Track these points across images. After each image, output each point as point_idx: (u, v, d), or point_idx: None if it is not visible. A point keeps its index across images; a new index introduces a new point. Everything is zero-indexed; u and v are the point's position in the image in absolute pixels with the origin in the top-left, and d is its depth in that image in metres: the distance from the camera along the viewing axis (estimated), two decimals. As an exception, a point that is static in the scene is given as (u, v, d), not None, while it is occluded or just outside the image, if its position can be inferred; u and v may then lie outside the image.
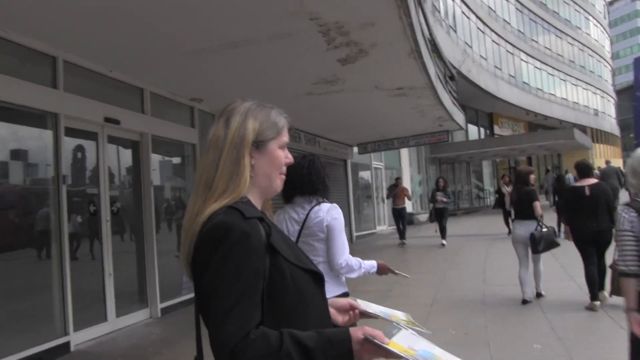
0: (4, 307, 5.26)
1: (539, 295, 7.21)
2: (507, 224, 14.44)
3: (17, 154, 5.82)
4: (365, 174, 19.95)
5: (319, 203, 3.18)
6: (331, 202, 3.27)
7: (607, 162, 21.21)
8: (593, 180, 6.66)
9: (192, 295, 1.50)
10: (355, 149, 16.70)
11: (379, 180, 20.64)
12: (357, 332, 1.33)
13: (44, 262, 5.81)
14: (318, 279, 1.53)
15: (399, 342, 1.33)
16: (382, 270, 3.35)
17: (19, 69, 5.49)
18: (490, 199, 30.45)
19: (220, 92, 7.94)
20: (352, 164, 17.42)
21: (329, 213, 3.14)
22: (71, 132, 6.21)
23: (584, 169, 6.70)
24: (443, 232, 14.02)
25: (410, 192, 16.29)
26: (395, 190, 14.89)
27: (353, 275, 3.16)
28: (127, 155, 7.46)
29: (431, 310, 6.90)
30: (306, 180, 3.18)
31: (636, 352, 3.05)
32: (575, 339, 5.36)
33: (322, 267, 2.92)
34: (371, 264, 3.27)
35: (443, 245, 13.64)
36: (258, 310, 1.34)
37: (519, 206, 7.36)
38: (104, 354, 5.81)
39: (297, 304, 1.43)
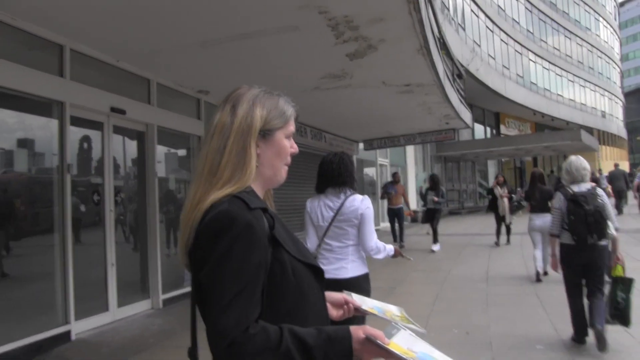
0: (6, 294, 5.27)
1: (545, 273, 8.47)
2: (498, 233, 13.18)
3: (23, 143, 5.81)
4: (370, 171, 19.91)
5: (352, 194, 3.69)
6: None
7: (616, 165, 21.59)
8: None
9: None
10: (361, 145, 16.63)
11: (384, 177, 20.60)
12: (358, 331, 1.32)
13: (47, 250, 5.80)
14: (318, 274, 1.51)
15: (398, 343, 1.33)
16: (396, 254, 3.86)
17: (26, 56, 5.47)
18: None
19: (227, 84, 7.80)
20: (357, 160, 17.35)
21: (363, 203, 3.66)
22: (77, 122, 6.19)
23: None
24: (435, 235, 12.79)
25: (407, 195, 14.62)
26: (394, 188, 13.50)
27: (380, 255, 3.71)
28: (132, 146, 7.44)
29: (433, 309, 6.88)
30: (336, 174, 3.69)
31: None
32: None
33: (351, 250, 3.66)
34: (390, 248, 3.79)
35: (433, 251, 12.41)
36: (258, 304, 1.32)
37: (538, 202, 8.70)
38: (105, 343, 5.81)
39: (297, 298, 1.40)
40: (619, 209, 20.72)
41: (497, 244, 13.04)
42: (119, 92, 6.72)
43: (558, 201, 5.16)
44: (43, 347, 5.40)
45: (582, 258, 4.94)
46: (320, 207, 3.73)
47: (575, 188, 5.05)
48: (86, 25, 5.58)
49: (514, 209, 12.76)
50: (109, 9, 5.09)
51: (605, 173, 24.60)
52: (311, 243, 3.78)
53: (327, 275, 3.52)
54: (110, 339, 5.95)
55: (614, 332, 5.05)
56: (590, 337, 5.03)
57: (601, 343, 4.76)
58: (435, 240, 12.73)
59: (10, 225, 5.48)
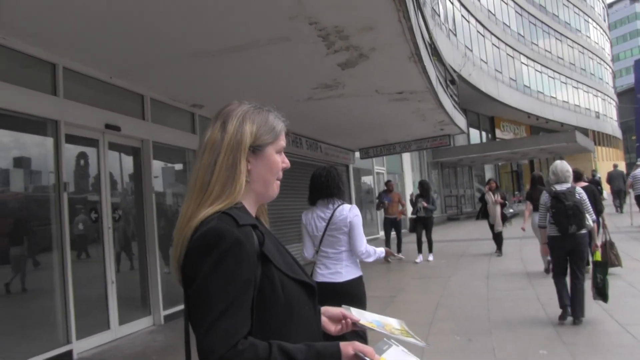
0: (7, 315, 5.24)
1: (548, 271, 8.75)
2: (496, 240, 12.39)
3: (19, 162, 5.81)
4: (367, 179, 19.94)
5: (341, 204, 4.02)
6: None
7: (615, 166, 22.03)
8: (584, 183, 8.81)
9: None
10: (357, 154, 16.66)
11: (381, 185, 20.58)
12: (347, 348, 1.33)
13: (46, 269, 5.78)
14: (310, 290, 1.50)
15: (389, 358, 1.35)
16: (387, 254, 4.19)
17: (19, 76, 5.48)
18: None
19: (220, 98, 7.88)
20: (354, 169, 17.38)
21: (351, 211, 3.99)
22: (72, 139, 6.19)
23: (577, 175, 8.73)
24: (430, 246, 12.26)
25: (404, 201, 13.99)
26: (388, 197, 12.87)
27: (370, 259, 4.00)
28: (128, 162, 7.45)
29: (435, 316, 6.86)
30: (325, 187, 4.02)
31: None
32: (581, 344, 5.31)
33: (345, 255, 3.98)
34: (381, 251, 4.10)
35: (428, 260, 12.00)
36: (247, 320, 1.32)
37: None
38: (107, 362, 5.78)
39: (287, 314, 1.40)
40: (618, 208, 21.00)
41: (497, 251, 12.34)
42: (113, 109, 6.72)
43: (544, 198, 6.18)
44: (45, 367, 5.37)
45: (566, 246, 5.91)
46: (314, 219, 4.07)
47: (558, 187, 6.00)
48: (78, 43, 5.60)
49: (506, 217, 12.14)
50: (99, 25, 5.11)
51: (599, 174, 25.03)
52: (308, 252, 4.16)
53: (324, 279, 3.80)
54: (112, 358, 5.92)
55: (601, 322, 5.96)
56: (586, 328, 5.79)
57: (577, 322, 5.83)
58: (430, 250, 12.27)
59: (8, 245, 5.47)
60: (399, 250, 12.75)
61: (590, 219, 5.88)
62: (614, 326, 5.76)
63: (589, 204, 5.99)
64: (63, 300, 5.75)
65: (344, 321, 1.66)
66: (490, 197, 12.31)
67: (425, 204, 12.09)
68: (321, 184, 4.04)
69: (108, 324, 6.50)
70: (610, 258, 8.00)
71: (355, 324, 1.66)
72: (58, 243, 5.80)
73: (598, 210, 8.37)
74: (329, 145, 14.56)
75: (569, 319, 5.93)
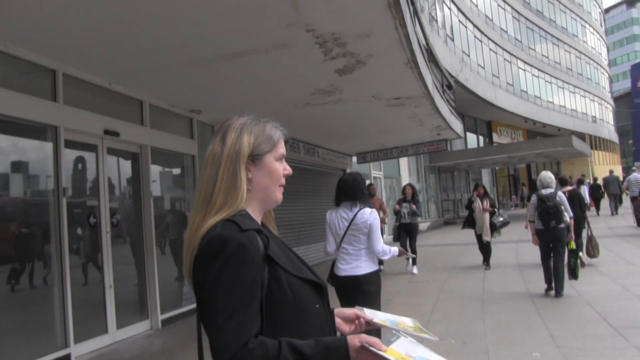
0: (5, 319, 5.28)
1: None
2: (482, 252, 11.28)
3: (18, 166, 5.85)
4: (364, 183, 19.93)
5: (362, 208, 4.54)
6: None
7: (610, 172, 22.59)
8: (569, 188, 10.35)
9: (192, 306, 1.53)
10: (354, 159, 16.69)
11: (379, 190, 20.63)
12: (354, 340, 1.37)
13: (45, 273, 5.82)
14: (319, 289, 1.56)
15: (396, 349, 1.37)
16: (400, 253, 4.73)
17: (19, 82, 5.53)
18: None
19: (219, 103, 8.00)
20: (351, 173, 17.34)
21: (371, 215, 4.51)
22: (71, 145, 6.24)
23: (563, 181, 10.60)
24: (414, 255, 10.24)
25: (386, 207, 12.55)
26: (369, 202, 11.20)
27: (386, 257, 4.61)
28: (126, 167, 7.49)
29: (430, 319, 6.91)
30: (350, 191, 4.59)
31: None
32: (574, 347, 5.37)
33: (364, 252, 4.52)
34: (395, 250, 4.66)
35: (413, 273, 10.94)
36: (257, 320, 1.38)
37: None
38: (105, 365, 5.82)
39: (296, 313, 1.46)
40: (614, 211, 21.40)
41: (485, 264, 11.19)
42: (112, 115, 6.77)
43: (533, 199, 8.11)
44: (43, 370, 5.40)
45: (549, 236, 7.75)
46: (337, 218, 4.60)
47: (544, 191, 7.86)
48: (78, 50, 5.65)
49: (495, 227, 11.08)
50: (100, 33, 5.16)
51: (589, 180, 25.72)
52: (330, 247, 4.67)
53: (345, 273, 4.36)
54: (110, 361, 5.96)
55: (595, 325, 5.80)
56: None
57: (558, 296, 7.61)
58: (414, 262, 11.09)
59: (7, 249, 5.51)
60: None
61: (567, 216, 7.62)
62: (607, 329, 5.82)
63: (568, 205, 7.80)
64: (61, 304, 5.78)
65: (357, 321, 1.70)
66: (478, 204, 11.18)
67: (414, 206, 11.31)
68: (347, 188, 4.59)
69: (106, 328, 6.53)
70: (588, 249, 9.79)
71: (369, 323, 1.69)
72: (57, 247, 5.84)
73: (582, 209, 10.05)
74: (326, 150, 14.58)
75: (552, 294, 7.73)
